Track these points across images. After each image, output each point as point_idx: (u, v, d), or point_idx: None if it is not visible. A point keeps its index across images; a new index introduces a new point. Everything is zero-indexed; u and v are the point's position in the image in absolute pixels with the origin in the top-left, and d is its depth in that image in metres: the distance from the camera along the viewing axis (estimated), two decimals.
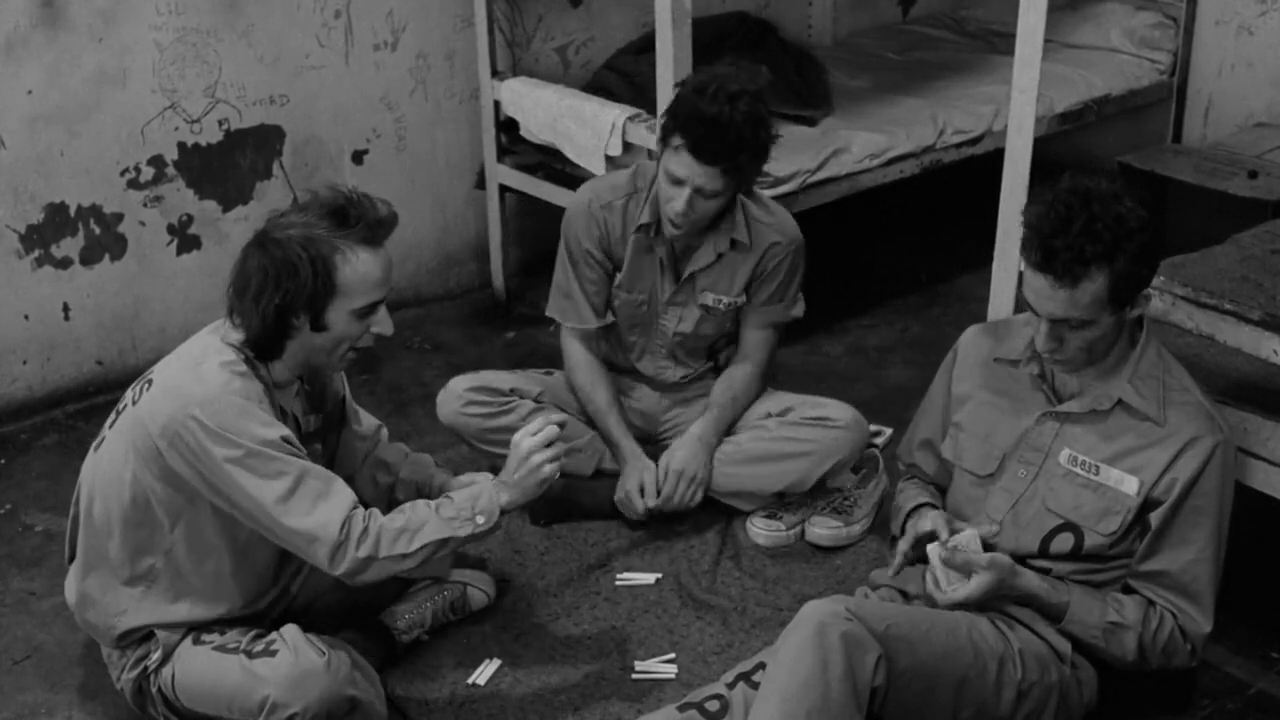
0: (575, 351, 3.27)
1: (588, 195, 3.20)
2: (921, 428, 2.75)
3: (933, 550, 2.42)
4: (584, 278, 3.21)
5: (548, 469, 2.48)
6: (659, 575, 3.02)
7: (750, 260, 3.15)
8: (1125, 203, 2.27)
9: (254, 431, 2.32)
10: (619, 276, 3.21)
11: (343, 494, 2.38)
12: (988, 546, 2.45)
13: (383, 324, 2.45)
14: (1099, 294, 2.26)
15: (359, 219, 2.36)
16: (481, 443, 3.21)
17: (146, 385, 2.44)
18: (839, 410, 3.17)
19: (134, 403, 2.44)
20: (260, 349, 2.39)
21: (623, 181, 3.19)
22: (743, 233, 3.11)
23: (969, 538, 2.43)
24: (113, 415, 2.52)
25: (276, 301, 2.32)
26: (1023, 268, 2.36)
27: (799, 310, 3.27)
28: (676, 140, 2.93)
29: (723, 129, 2.87)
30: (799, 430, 3.14)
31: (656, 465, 3.18)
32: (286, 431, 2.38)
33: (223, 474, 2.32)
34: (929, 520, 2.50)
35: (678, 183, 2.95)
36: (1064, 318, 2.29)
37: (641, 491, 3.14)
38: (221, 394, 2.33)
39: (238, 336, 2.40)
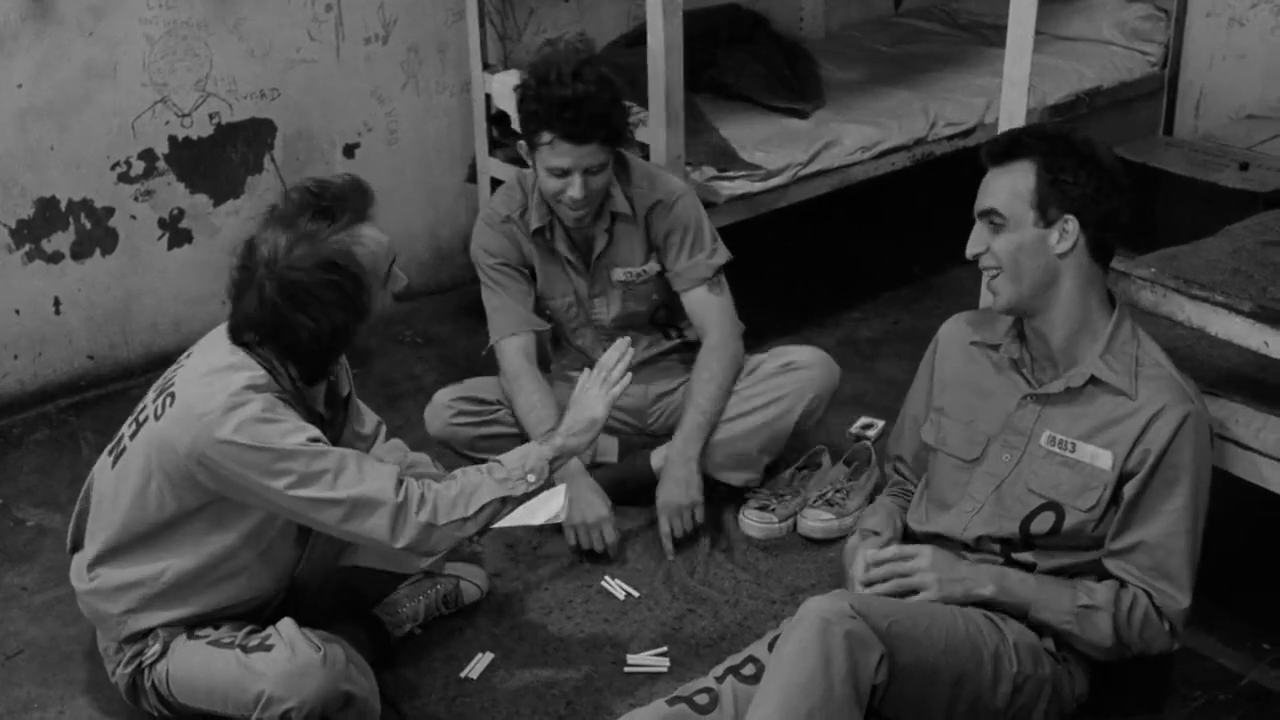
0: (516, 364, 3.18)
1: (484, 217, 3.24)
2: (906, 416, 2.77)
3: (861, 562, 2.48)
4: (510, 290, 3.21)
5: (600, 409, 2.57)
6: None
7: (640, 226, 3.16)
8: (1095, 145, 2.41)
9: (285, 440, 2.31)
10: (539, 285, 3.24)
11: (388, 466, 2.40)
12: None
13: (396, 279, 2.51)
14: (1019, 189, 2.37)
15: (342, 205, 2.37)
16: (475, 451, 3.18)
17: (169, 399, 2.39)
18: (803, 353, 3.20)
19: (156, 417, 2.40)
20: (313, 376, 2.43)
21: (514, 196, 3.21)
22: (622, 204, 3.12)
23: (891, 552, 2.48)
24: (132, 423, 2.48)
25: (334, 326, 2.34)
26: None
27: (721, 257, 3.19)
28: (545, 136, 2.94)
29: (585, 104, 2.90)
30: (767, 381, 3.16)
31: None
32: (315, 431, 2.37)
33: (264, 486, 2.32)
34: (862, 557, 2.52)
35: (564, 173, 2.97)
36: (990, 208, 2.40)
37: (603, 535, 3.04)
38: (248, 411, 2.31)
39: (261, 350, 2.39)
